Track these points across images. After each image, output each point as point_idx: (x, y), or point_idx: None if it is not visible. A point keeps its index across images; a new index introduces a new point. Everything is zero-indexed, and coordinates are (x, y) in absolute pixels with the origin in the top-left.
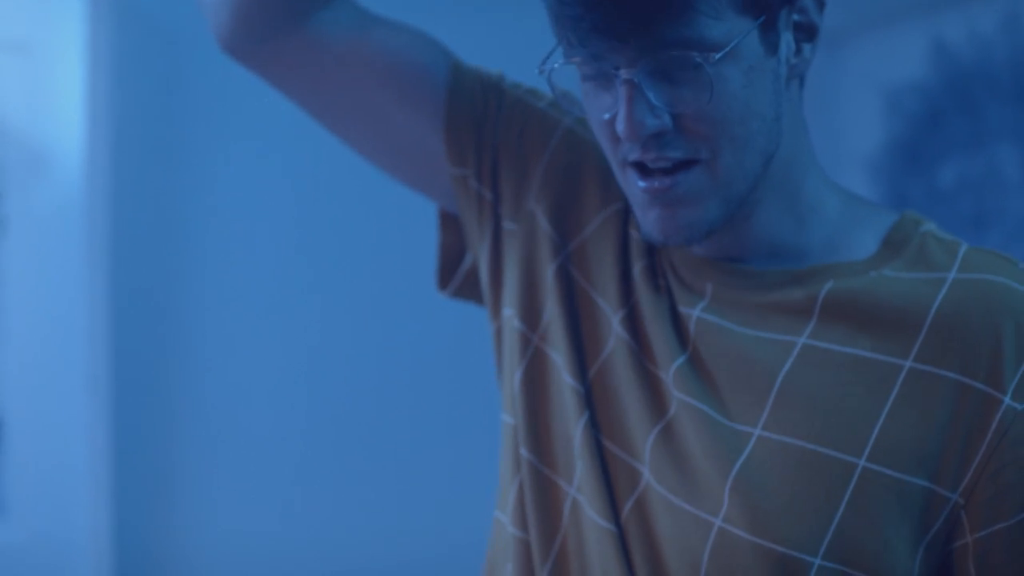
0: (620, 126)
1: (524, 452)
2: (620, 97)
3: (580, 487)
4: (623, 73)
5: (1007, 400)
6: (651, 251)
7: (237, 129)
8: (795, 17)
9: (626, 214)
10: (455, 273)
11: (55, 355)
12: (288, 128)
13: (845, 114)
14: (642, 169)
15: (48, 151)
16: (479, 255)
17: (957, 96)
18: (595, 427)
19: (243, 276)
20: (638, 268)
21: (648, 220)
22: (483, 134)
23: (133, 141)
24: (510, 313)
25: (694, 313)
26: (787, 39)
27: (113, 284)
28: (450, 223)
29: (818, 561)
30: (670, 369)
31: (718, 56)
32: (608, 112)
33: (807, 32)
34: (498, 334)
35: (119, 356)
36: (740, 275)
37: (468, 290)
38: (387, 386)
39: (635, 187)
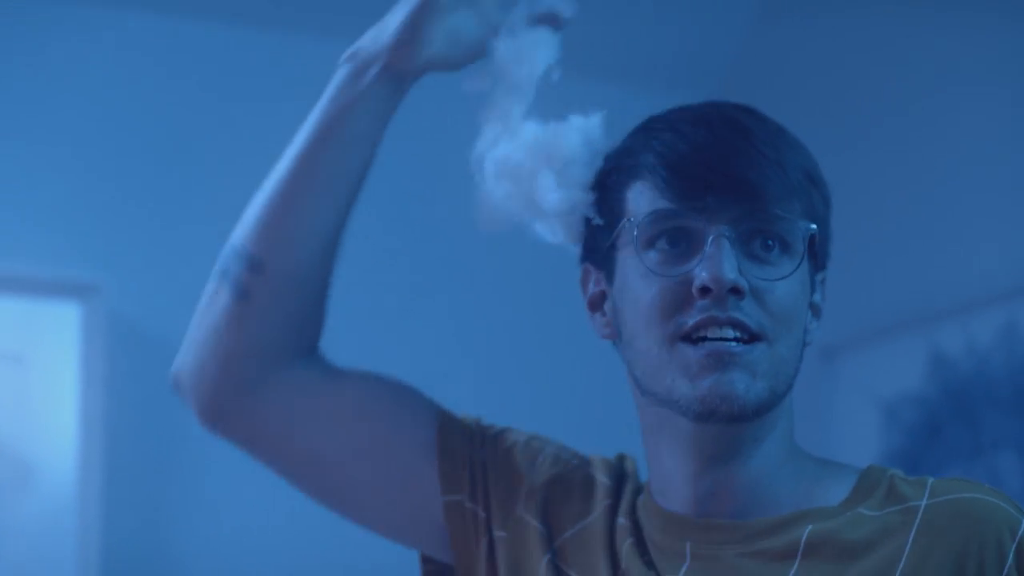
0: (705, 274)
1: None
2: (711, 250)
3: None
4: (722, 230)
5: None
6: (637, 530)
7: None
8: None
9: (614, 509)
10: None
11: None
12: None
13: (841, 427)
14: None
15: (39, 463)
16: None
17: (956, 407)
18: None
19: None
20: (625, 546)
21: (699, 388)
22: (474, 458)
23: (125, 454)
24: None
25: None
26: (820, 291)
27: None
28: (433, 571)
29: None
30: None
31: (814, 228)
32: (679, 272)
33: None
34: None
35: None
36: (717, 530)
37: None
38: None
39: (686, 358)
